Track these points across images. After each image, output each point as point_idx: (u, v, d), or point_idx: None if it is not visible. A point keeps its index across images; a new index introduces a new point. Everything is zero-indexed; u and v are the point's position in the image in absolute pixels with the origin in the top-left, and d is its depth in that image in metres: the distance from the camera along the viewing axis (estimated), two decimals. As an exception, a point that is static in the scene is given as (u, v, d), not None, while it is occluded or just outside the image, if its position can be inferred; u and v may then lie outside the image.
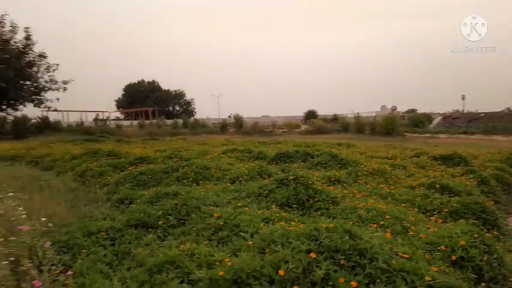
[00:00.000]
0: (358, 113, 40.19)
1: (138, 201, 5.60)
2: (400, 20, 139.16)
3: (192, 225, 4.35)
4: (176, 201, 5.02)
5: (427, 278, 2.67)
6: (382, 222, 4.33)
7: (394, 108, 54.82)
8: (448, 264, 3.35)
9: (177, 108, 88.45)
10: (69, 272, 2.70)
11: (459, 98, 52.14)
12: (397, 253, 3.03)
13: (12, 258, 2.92)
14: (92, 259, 3.41)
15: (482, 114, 46.05)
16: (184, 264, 3.10)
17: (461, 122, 44.08)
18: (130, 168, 8.94)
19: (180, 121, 48.94)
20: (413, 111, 61.39)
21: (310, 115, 56.47)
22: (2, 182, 6.81)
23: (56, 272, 2.73)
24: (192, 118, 56.03)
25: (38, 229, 3.49)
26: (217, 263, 3.12)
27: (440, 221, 4.86)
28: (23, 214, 3.64)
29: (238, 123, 43.89)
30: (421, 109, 61.89)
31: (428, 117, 46.58)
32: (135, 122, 50.92)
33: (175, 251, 3.31)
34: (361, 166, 8.71)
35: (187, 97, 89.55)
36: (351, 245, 2.81)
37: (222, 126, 44.09)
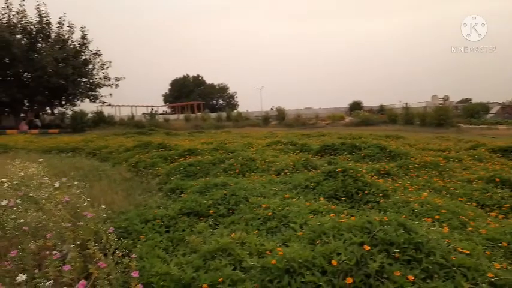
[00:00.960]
0: (406, 104, 38.38)
1: (189, 191, 5.81)
2: (451, 4, 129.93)
3: (241, 215, 4.44)
4: (225, 192, 5.15)
5: (489, 274, 2.53)
6: (437, 217, 4.15)
7: (446, 98, 51.43)
8: (510, 262, 3.15)
9: (221, 101, 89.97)
10: (133, 256, 2.88)
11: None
12: (456, 248, 2.90)
13: (79, 242, 3.19)
14: (149, 244, 3.61)
15: (546, 103, 42.02)
16: (235, 252, 3.18)
17: (522, 112, 40.55)
18: (180, 159, 9.30)
19: (224, 114, 49.73)
20: (467, 100, 57.46)
21: (355, 106, 54.87)
22: (66, 172, 7.42)
23: (119, 255, 2.92)
24: (235, 111, 56.71)
25: (100, 215, 3.77)
26: (267, 252, 3.16)
27: (501, 216, 4.57)
28: (86, 201, 3.95)
29: (281, 115, 43.74)
30: (477, 98, 57.69)
31: (484, 107, 43.20)
32: (182, 116, 52.53)
33: (227, 239, 3.40)
34: (412, 159, 8.36)
35: (230, 90, 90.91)
36: (406, 238, 2.73)
37: (265, 119, 44.17)
